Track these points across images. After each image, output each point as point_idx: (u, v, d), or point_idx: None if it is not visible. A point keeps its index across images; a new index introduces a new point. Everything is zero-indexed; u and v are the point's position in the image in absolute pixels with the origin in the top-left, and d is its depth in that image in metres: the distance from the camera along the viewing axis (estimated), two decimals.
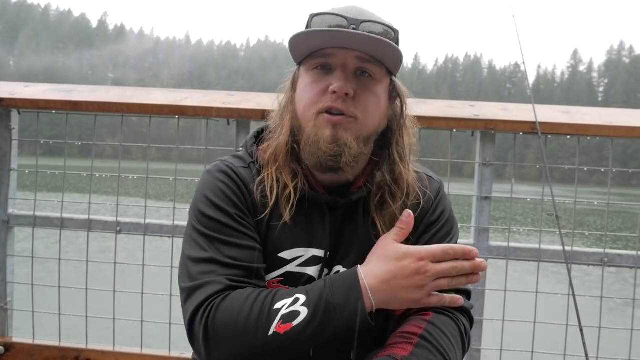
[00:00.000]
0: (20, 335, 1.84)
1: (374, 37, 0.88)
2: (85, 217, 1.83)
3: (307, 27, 0.95)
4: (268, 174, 0.96)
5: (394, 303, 0.86)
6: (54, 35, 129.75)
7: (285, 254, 0.96)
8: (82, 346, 1.78)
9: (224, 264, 0.88)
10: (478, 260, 0.87)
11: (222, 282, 0.86)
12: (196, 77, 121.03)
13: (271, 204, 0.94)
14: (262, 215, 0.94)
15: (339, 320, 0.81)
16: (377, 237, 0.95)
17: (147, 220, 1.80)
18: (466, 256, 0.86)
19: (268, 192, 0.94)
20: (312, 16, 0.94)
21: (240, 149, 1.08)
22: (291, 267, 0.96)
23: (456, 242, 1.04)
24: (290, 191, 0.94)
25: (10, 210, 1.85)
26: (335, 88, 0.90)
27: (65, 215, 1.84)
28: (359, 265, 0.87)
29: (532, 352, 1.69)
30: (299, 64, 0.99)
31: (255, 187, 0.96)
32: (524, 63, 1.75)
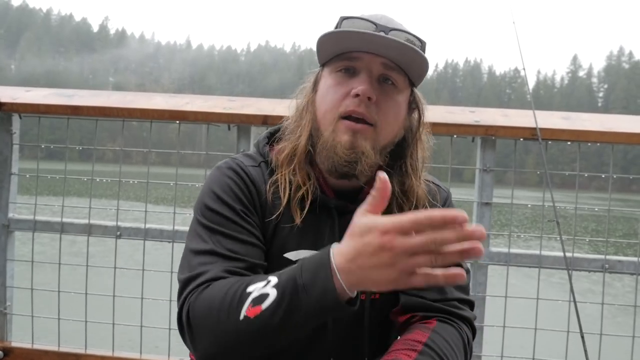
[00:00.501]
0: (19, 339, 1.83)
1: (404, 43, 0.88)
2: (86, 221, 1.83)
3: (336, 27, 0.94)
4: (282, 175, 0.96)
5: (368, 284, 0.70)
6: (55, 39, 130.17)
7: (291, 255, 0.96)
8: (81, 351, 1.77)
9: (224, 256, 0.87)
10: (469, 226, 0.64)
11: (217, 272, 0.85)
12: (197, 81, 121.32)
13: (283, 205, 0.94)
14: (273, 217, 0.94)
15: (308, 302, 0.73)
16: None
17: (147, 225, 1.80)
18: (450, 223, 0.64)
19: (281, 193, 0.94)
20: (342, 18, 0.94)
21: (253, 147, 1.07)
22: None
23: None
24: (303, 194, 0.94)
25: (10, 215, 1.85)
26: (358, 91, 0.89)
27: (65, 219, 1.84)
28: (335, 243, 0.75)
29: (533, 359, 1.68)
30: (323, 65, 0.99)
31: (268, 187, 0.96)
32: (524, 69, 1.76)
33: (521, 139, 1.70)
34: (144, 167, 1.88)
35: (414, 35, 0.93)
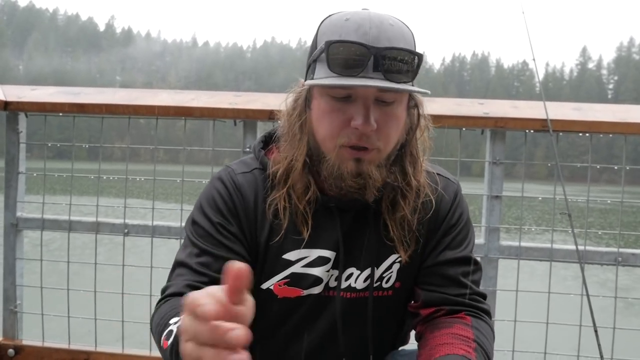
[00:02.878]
0: (29, 338, 1.84)
1: (396, 88, 0.84)
2: (93, 219, 1.83)
3: (322, 52, 0.87)
4: (280, 195, 0.94)
5: None
6: (62, 39, 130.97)
7: (290, 255, 0.95)
8: (92, 348, 1.78)
9: (193, 270, 0.90)
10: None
11: (179, 287, 0.88)
12: (203, 78, 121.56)
13: (285, 225, 0.93)
14: (278, 238, 0.93)
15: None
16: (389, 238, 0.95)
17: (155, 222, 1.80)
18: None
19: (281, 215, 0.93)
20: (329, 44, 0.85)
21: (248, 149, 1.07)
22: (296, 268, 0.95)
23: (472, 246, 1.03)
24: (303, 212, 0.93)
25: (18, 214, 1.86)
26: (357, 125, 0.85)
27: (73, 217, 1.84)
28: None
29: (545, 352, 1.66)
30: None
31: (267, 206, 0.95)
32: (534, 59, 1.73)
33: (531, 131, 1.68)
34: (152, 165, 1.87)
35: (409, 51, 0.86)
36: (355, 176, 0.89)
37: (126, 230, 1.81)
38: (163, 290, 0.91)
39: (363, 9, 0.90)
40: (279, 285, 0.96)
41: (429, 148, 1.00)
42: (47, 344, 1.80)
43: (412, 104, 0.96)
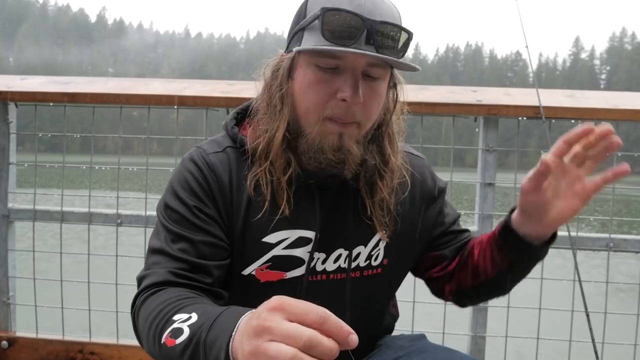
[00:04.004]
0: (23, 329, 1.84)
1: (393, 60, 0.84)
2: (86, 210, 1.82)
3: (315, 19, 0.85)
4: (261, 171, 0.92)
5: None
6: (53, 30, 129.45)
7: (270, 238, 0.93)
8: (86, 339, 1.77)
9: (171, 256, 0.87)
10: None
11: (162, 275, 0.84)
12: (196, 70, 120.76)
13: (268, 200, 0.91)
14: (260, 215, 0.91)
15: (205, 358, 0.69)
16: (367, 217, 0.96)
17: (148, 212, 1.79)
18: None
19: (263, 189, 0.91)
20: (325, 10, 0.84)
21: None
22: (277, 251, 0.93)
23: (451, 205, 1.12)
24: (285, 188, 0.91)
25: (10, 205, 1.84)
26: (346, 97, 0.84)
27: (65, 208, 1.83)
28: (249, 312, 0.66)
29: (538, 338, 1.68)
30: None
31: (248, 183, 0.92)
32: (527, 47, 1.73)
33: (524, 118, 1.68)
34: (145, 158, 1.86)
35: (402, 28, 0.86)
36: (336, 150, 0.88)
37: (119, 221, 1.80)
38: (140, 279, 0.87)
39: None
40: (261, 270, 0.93)
41: (402, 127, 1.00)
42: (41, 336, 1.79)
43: (392, 83, 0.96)
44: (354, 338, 0.54)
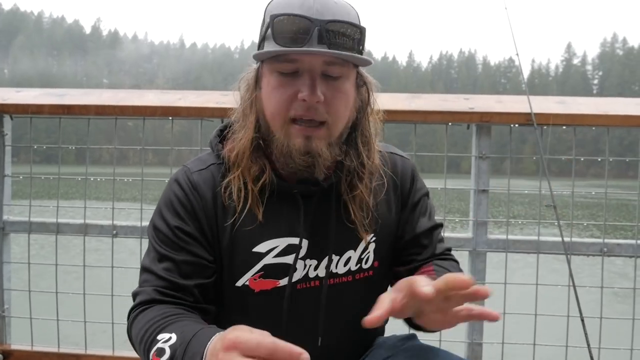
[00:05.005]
0: (18, 342, 1.83)
1: (341, 54, 0.86)
2: (81, 221, 1.82)
3: (267, 28, 0.88)
4: (234, 177, 0.94)
5: None
6: (48, 42, 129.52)
7: (260, 247, 0.94)
8: (82, 351, 1.76)
9: (157, 276, 0.91)
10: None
11: (149, 294, 0.90)
12: (191, 80, 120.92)
13: (239, 208, 0.93)
14: (232, 219, 0.93)
15: None
16: (350, 221, 0.97)
17: (144, 223, 1.79)
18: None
19: (235, 196, 0.93)
20: (273, 17, 0.87)
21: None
22: (268, 260, 0.94)
23: (432, 215, 1.09)
24: (256, 194, 0.93)
25: (5, 217, 1.84)
26: (305, 97, 0.87)
27: (61, 220, 1.82)
28: (216, 335, 0.74)
29: (534, 344, 1.68)
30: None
31: (222, 190, 0.95)
32: (517, 54, 1.75)
33: (516, 125, 1.70)
34: (140, 169, 1.86)
35: (353, 24, 0.88)
36: (304, 154, 0.89)
37: (115, 232, 1.80)
38: (134, 296, 0.93)
39: None
40: (254, 280, 0.95)
41: (381, 129, 1.02)
42: (36, 348, 1.78)
43: (360, 82, 0.97)
44: (305, 357, 0.61)
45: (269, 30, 0.88)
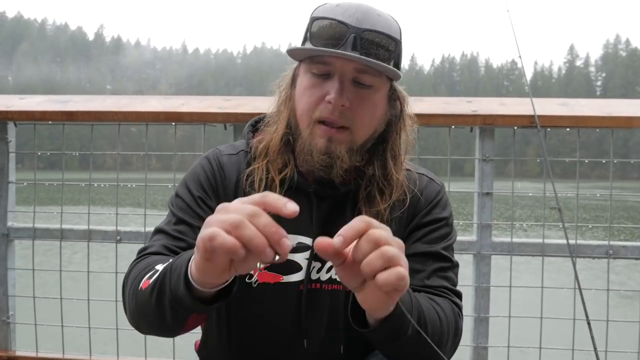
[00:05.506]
0: (23, 348, 1.83)
1: (369, 60, 0.86)
2: (85, 227, 1.82)
3: (307, 30, 0.93)
4: (258, 167, 0.97)
5: (205, 277, 0.67)
6: (51, 49, 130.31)
7: None
8: (86, 357, 1.76)
9: (169, 235, 0.93)
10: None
11: (157, 247, 0.91)
12: (194, 85, 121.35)
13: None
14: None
15: (169, 287, 0.74)
16: None
17: (147, 229, 1.79)
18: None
19: (256, 185, 0.96)
20: (313, 19, 0.92)
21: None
22: None
23: (448, 247, 0.99)
24: (277, 184, 0.95)
25: (9, 223, 1.84)
26: (330, 99, 0.89)
27: (65, 226, 1.83)
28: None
29: (540, 347, 1.67)
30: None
31: (244, 177, 0.98)
32: (520, 57, 1.75)
33: (520, 127, 1.69)
34: (144, 174, 1.86)
35: (389, 35, 0.90)
36: (323, 154, 0.91)
37: (118, 238, 1.80)
38: (140, 251, 0.94)
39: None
40: (260, 271, 0.95)
41: (411, 146, 1.02)
42: (41, 354, 1.78)
43: (394, 96, 0.98)
44: (291, 206, 0.63)
45: (308, 32, 0.92)
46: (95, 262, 1.84)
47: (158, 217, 2.03)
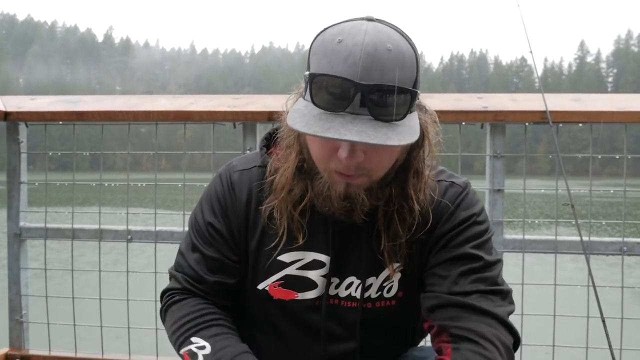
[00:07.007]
0: (36, 347, 1.84)
1: (374, 144, 0.75)
2: (96, 226, 1.83)
3: (307, 83, 0.81)
4: (276, 202, 0.93)
5: None
6: (62, 51, 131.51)
7: (284, 257, 0.95)
8: (98, 356, 1.78)
9: (188, 264, 0.98)
10: None
11: (181, 282, 0.98)
12: (203, 86, 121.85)
13: (282, 230, 0.93)
14: (273, 244, 0.94)
15: None
16: (379, 252, 0.93)
17: (158, 228, 1.80)
18: None
19: (278, 220, 0.93)
20: (312, 77, 0.79)
21: (248, 151, 1.07)
22: (290, 270, 0.95)
23: (480, 245, 0.92)
24: (297, 219, 0.92)
25: (21, 223, 1.86)
26: (343, 159, 0.80)
27: (76, 225, 1.84)
28: None
29: (553, 345, 1.65)
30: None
31: (263, 211, 0.95)
32: (531, 52, 1.73)
33: (531, 123, 1.67)
34: (154, 174, 1.87)
35: (399, 88, 0.78)
36: (343, 199, 0.87)
37: (129, 237, 1.81)
38: (170, 276, 1.01)
39: (366, 18, 0.83)
40: (274, 287, 0.96)
41: (436, 161, 0.94)
42: (54, 353, 1.80)
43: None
44: None
45: (308, 87, 0.81)
46: (107, 257, 1.85)
47: (168, 217, 2.05)
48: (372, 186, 0.87)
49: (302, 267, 0.95)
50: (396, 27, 0.84)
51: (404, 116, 0.80)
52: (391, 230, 0.91)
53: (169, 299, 0.99)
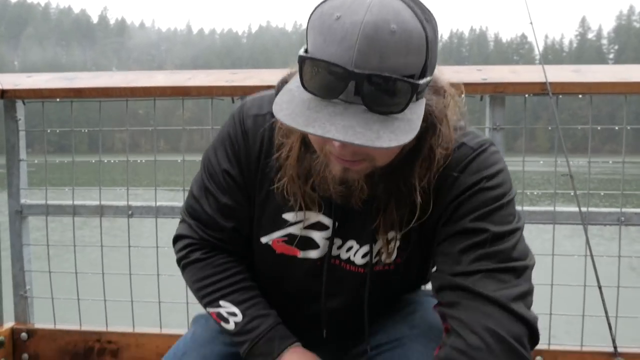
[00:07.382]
0: (41, 321, 1.87)
1: (362, 145, 0.68)
2: (97, 202, 1.84)
3: (300, 67, 0.73)
4: (286, 180, 0.90)
5: None
6: (56, 32, 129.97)
7: (288, 216, 0.95)
8: (103, 329, 1.80)
9: (203, 210, 0.98)
10: None
11: (196, 231, 0.99)
12: (200, 66, 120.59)
13: (297, 208, 0.93)
14: (279, 202, 0.94)
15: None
16: (377, 225, 0.91)
17: (158, 203, 1.81)
18: None
19: (292, 198, 0.91)
20: (302, 60, 0.72)
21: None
22: (294, 229, 0.95)
23: (482, 218, 0.83)
24: (309, 193, 0.90)
25: (22, 200, 1.87)
26: (335, 147, 0.75)
27: (77, 202, 1.85)
28: (296, 344, 0.95)
29: (550, 314, 1.68)
30: None
31: (275, 189, 0.92)
32: (531, 23, 1.71)
33: (531, 95, 1.67)
34: (152, 156, 1.87)
35: (398, 79, 0.69)
36: (339, 183, 0.82)
37: (130, 212, 1.82)
38: (182, 218, 1.03)
39: None
40: (277, 242, 0.97)
41: (452, 141, 0.85)
42: (59, 327, 1.83)
43: (419, 96, 0.77)
44: None
45: (299, 69, 0.74)
46: (108, 236, 1.86)
47: (168, 193, 2.06)
48: (374, 172, 0.81)
49: (306, 227, 0.95)
50: (410, 0, 0.72)
51: (405, 107, 0.71)
52: (387, 216, 0.88)
53: (187, 253, 1.00)
